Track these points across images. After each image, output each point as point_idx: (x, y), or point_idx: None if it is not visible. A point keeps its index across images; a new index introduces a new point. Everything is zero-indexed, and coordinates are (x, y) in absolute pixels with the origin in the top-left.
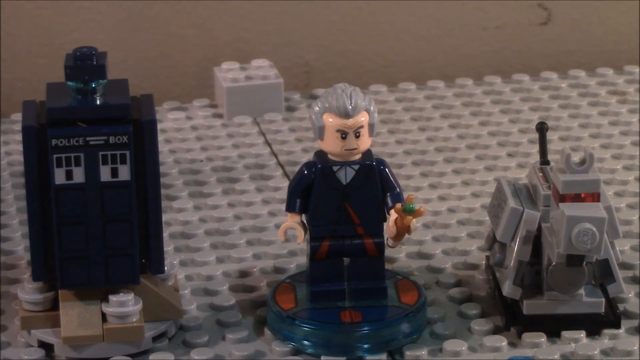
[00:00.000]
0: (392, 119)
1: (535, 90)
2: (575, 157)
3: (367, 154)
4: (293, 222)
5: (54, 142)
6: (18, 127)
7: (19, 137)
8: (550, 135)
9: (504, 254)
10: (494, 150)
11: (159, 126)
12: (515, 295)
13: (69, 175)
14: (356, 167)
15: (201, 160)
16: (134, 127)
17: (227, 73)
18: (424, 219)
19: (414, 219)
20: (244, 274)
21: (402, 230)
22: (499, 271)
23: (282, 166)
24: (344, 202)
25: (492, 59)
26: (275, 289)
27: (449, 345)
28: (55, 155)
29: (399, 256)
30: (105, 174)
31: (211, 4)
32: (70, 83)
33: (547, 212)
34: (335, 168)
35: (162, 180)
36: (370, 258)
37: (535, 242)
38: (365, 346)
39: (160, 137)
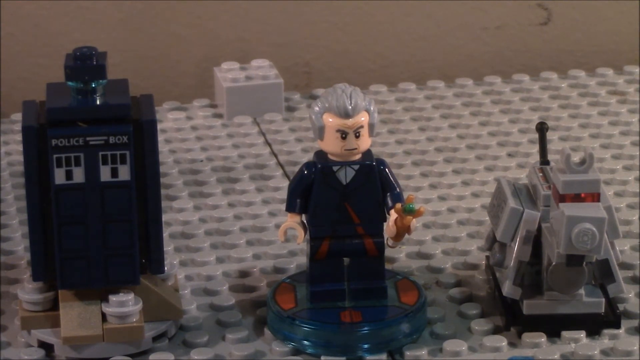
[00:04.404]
0: (392, 119)
1: (535, 90)
2: (575, 157)
3: (367, 154)
4: (293, 222)
5: (54, 142)
6: (18, 127)
7: (19, 137)
8: (550, 135)
9: (504, 254)
10: (494, 150)
11: (159, 126)
12: (515, 295)
13: (69, 175)
14: (356, 167)
15: (201, 160)
16: (134, 127)
17: (227, 73)
18: (424, 219)
19: (414, 219)
20: (244, 274)
21: (402, 230)
22: (499, 271)
23: (282, 166)
24: (344, 202)
25: (492, 59)
26: (275, 289)
27: (449, 345)
28: (55, 155)
29: (399, 256)
30: (105, 174)
31: (211, 4)
32: (70, 83)
33: (547, 212)
34: (335, 168)
35: (162, 180)
36: (370, 258)
37: (535, 242)
38: (365, 346)
39: (160, 137)
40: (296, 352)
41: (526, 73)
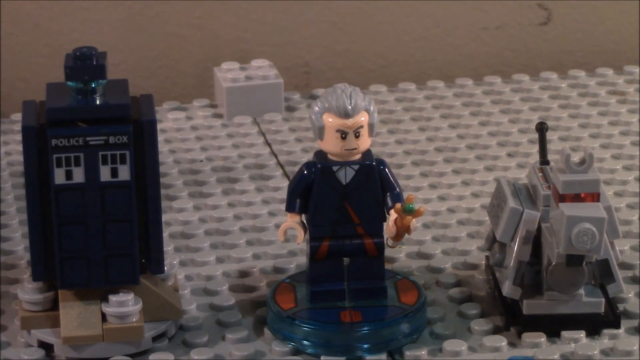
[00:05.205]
0: (392, 119)
1: (535, 90)
2: (575, 157)
3: (367, 154)
4: (293, 222)
5: (53, 142)
6: (18, 127)
7: (19, 137)
8: (550, 135)
9: (504, 254)
10: (494, 150)
11: (159, 126)
12: (515, 295)
13: (69, 175)
14: (356, 167)
15: (201, 160)
16: (134, 127)
17: (227, 73)
18: (424, 219)
19: (413, 219)
20: (244, 274)
21: (402, 230)
22: (498, 271)
23: (282, 166)
24: (344, 202)
25: (492, 59)
26: (275, 289)
27: (449, 345)
28: (55, 155)
29: (399, 256)
30: (105, 174)
31: (211, 4)
32: (70, 83)
33: (547, 212)
34: (335, 168)
35: (162, 180)
36: (370, 258)
37: (535, 242)
38: (365, 346)
39: (160, 137)
40: (296, 352)
41: (526, 73)
